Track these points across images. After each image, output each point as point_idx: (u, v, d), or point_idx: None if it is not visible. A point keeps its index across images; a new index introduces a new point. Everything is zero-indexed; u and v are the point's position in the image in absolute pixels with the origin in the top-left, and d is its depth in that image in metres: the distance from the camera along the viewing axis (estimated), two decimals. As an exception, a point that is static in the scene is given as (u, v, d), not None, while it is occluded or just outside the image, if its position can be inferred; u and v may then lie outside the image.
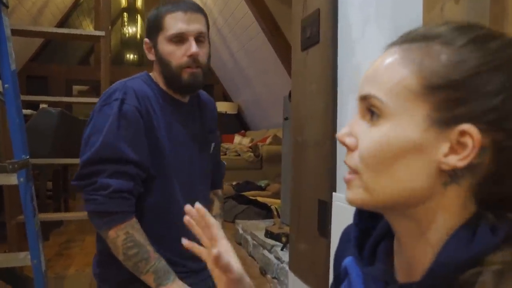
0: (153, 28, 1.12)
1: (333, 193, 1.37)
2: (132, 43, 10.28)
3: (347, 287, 0.54)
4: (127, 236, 1.01)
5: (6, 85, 1.48)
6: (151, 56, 1.15)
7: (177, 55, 1.09)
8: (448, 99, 0.42)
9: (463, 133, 0.41)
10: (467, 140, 0.41)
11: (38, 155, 2.54)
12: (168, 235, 1.11)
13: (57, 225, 3.67)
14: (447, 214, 0.44)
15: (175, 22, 1.08)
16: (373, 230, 0.54)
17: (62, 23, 6.97)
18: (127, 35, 10.30)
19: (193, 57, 1.09)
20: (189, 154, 1.17)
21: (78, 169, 1.05)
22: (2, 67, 1.48)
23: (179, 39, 1.09)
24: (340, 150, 1.38)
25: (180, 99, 1.17)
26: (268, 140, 5.99)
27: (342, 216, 1.31)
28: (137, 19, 10.33)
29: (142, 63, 9.09)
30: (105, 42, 2.59)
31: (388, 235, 0.52)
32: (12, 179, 1.54)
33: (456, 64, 0.42)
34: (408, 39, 0.46)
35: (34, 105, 4.65)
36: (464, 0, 0.75)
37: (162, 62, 1.11)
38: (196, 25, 1.10)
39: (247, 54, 6.04)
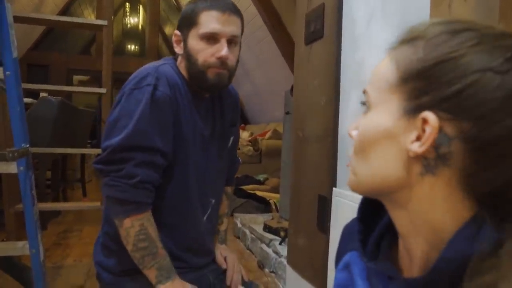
0: (186, 22, 1.10)
1: (333, 188, 1.37)
2: (133, 34, 10.25)
3: (349, 281, 0.54)
4: (141, 228, 1.01)
5: (7, 72, 1.47)
6: (178, 49, 1.13)
7: (206, 53, 1.07)
8: (416, 88, 0.44)
9: (425, 120, 0.43)
10: (427, 127, 0.42)
11: (38, 144, 2.53)
12: (180, 227, 1.11)
13: (55, 215, 3.66)
14: (432, 205, 0.45)
15: (210, 21, 1.06)
16: (376, 225, 0.54)
17: (63, 12, 6.93)
18: (128, 25, 10.27)
19: (222, 60, 1.07)
20: (207, 150, 1.16)
21: (103, 152, 1.02)
22: (4, 54, 1.46)
23: (211, 38, 1.06)
24: (341, 145, 1.38)
25: (201, 93, 1.15)
26: (267, 135, 5.97)
27: (342, 212, 1.31)
28: (139, 10, 10.28)
29: (143, 54, 9.06)
30: (108, 31, 2.59)
31: (392, 230, 0.52)
32: (12, 168, 1.53)
33: (426, 55, 0.44)
34: (398, 41, 0.49)
35: (34, 94, 4.62)
36: (472, -4, 0.74)
37: (190, 58, 1.09)
38: (231, 27, 1.08)
39: (249, 48, 6.01)
